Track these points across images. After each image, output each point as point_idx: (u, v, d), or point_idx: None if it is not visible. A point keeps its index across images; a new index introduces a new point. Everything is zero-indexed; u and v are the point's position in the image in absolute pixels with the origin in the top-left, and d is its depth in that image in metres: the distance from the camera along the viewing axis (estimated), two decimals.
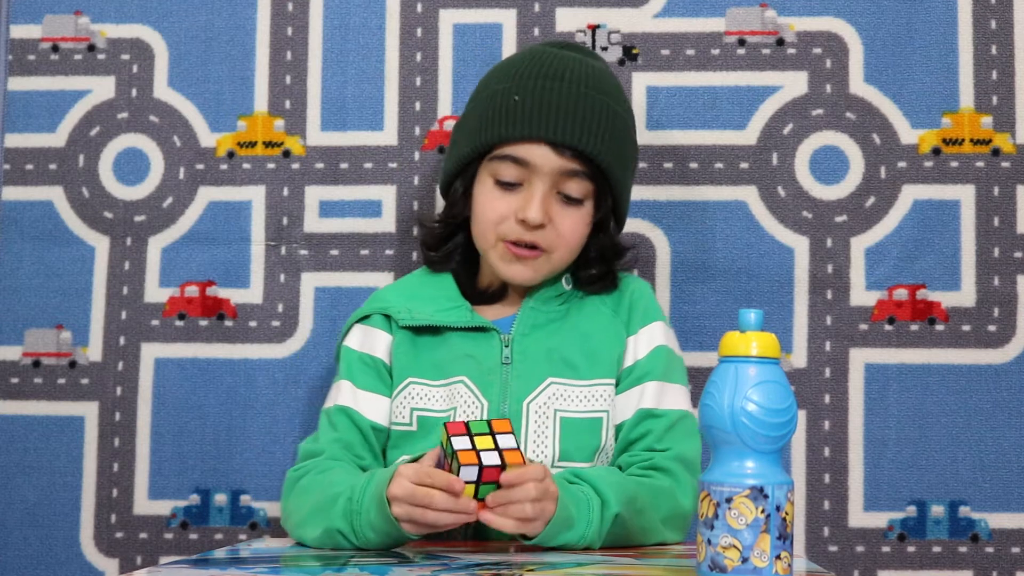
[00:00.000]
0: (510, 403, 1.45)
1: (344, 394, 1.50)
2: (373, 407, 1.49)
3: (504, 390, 1.46)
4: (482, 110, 1.50)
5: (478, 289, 1.54)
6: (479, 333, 1.49)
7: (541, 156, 1.45)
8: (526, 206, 1.45)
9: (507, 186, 1.47)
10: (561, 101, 1.45)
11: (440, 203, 1.65)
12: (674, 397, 1.48)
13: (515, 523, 1.24)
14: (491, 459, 1.23)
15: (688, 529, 1.45)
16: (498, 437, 1.25)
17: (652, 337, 1.50)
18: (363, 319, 1.53)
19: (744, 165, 1.74)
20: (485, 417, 1.45)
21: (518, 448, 1.25)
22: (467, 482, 1.23)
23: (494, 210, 1.47)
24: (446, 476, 1.23)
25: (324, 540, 1.34)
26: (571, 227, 1.48)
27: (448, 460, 1.25)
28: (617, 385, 1.49)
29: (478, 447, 1.23)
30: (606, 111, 1.47)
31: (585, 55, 1.55)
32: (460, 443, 1.23)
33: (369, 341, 1.52)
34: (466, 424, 1.25)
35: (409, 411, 1.48)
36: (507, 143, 1.46)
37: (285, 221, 1.77)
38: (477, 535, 1.42)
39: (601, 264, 1.53)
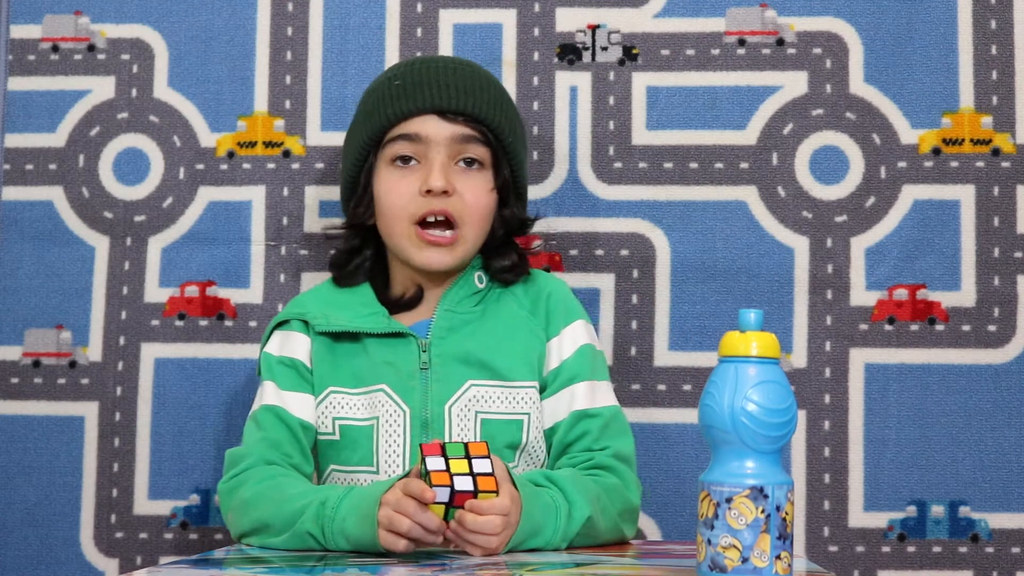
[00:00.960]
0: (431, 407, 1.46)
1: (268, 394, 1.49)
2: (299, 405, 1.48)
3: (425, 395, 1.46)
4: (365, 106, 1.54)
5: (393, 298, 1.54)
6: (397, 339, 1.49)
7: (432, 127, 1.48)
8: (428, 176, 1.47)
9: (405, 162, 1.49)
10: (440, 75, 1.50)
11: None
12: (604, 395, 1.49)
13: (479, 550, 1.25)
14: (464, 484, 1.22)
15: (636, 523, 1.47)
16: (474, 461, 1.24)
17: (576, 336, 1.51)
18: (282, 324, 1.53)
19: (744, 165, 1.74)
20: (407, 423, 1.45)
21: (492, 474, 1.24)
22: (438, 502, 1.22)
23: (398, 193, 1.48)
24: (420, 485, 1.23)
25: (291, 544, 1.34)
26: (475, 194, 1.49)
27: (424, 481, 1.24)
28: (544, 389, 1.49)
29: (452, 470, 1.23)
30: (485, 80, 1.53)
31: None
32: (433, 464, 1.23)
33: (289, 345, 1.52)
34: (442, 445, 1.24)
35: (331, 420, 1.48)
36: (397, 123, 1.48)
37: (285, 221, 1.77)
38: None
39: (509, 251, 1.54)
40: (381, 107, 1.50)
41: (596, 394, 1.48)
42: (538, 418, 1.47)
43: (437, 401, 1.46)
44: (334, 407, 1.48)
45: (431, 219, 1.48)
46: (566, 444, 1.46)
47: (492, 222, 1.52)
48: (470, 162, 1.49)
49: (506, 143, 1.50)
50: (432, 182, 1.46)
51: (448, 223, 1.48)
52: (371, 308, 1.51)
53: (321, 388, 1.49)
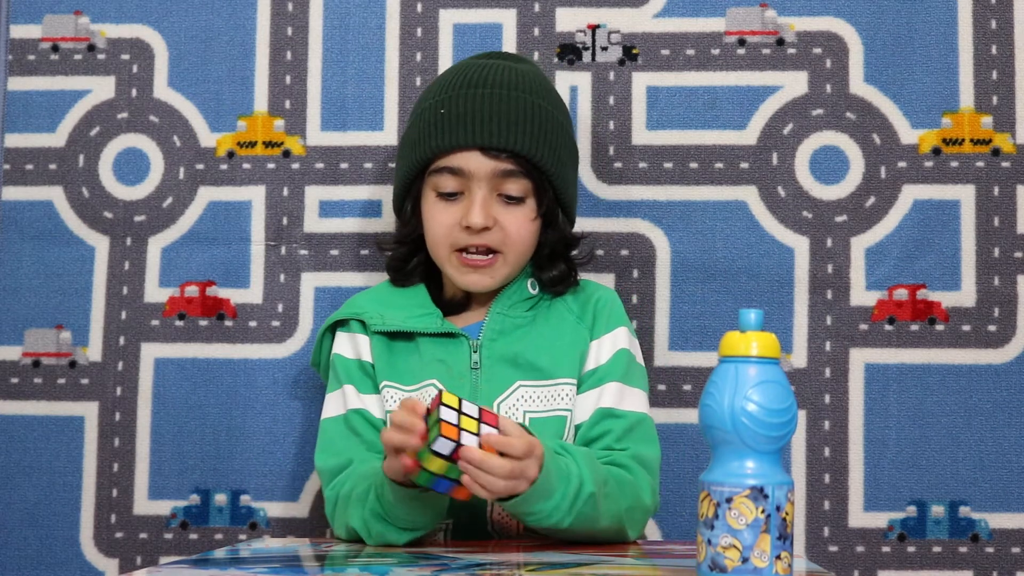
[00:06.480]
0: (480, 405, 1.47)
1: (351, 399, 1.51)
2: (377, 408, 1.51)
3: (474, 394, 1.48)
4: (415, 127, 1.54)
5: (445, 300, 1.56)
6: (449, 339, 1.51)
7: (474, 162, 1.48)
8: (468, 212, 1.48)
9: (449, 197, 1.50)
10: (484, 106, 1.49)
11: None
12: (633, 400, 1.50)
13: (483, 491, 1.25)
14: (469, 441, 1.22)
15: (645, 526, 1.46)
16: (483, 426, 1.24)
17: (615, 341, 1.52)
18: (342, 325, 1.55)
19: (744, 165, 1.74)
20: None
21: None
22: (437, 453, 1.22)
23: (440, 223, 1.50)
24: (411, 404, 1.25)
25: (368, 522, 1.36)
26: (516, 226, 1.50)
27: (427, 427, 1.23)
28: (579, 387, 1.50)
29: (461, 426, 1.23)
30: (531, 108, 1.50)
31: (511, 60, 1.59)
32: (447, 415, 1.23)
33: (358, 348, 1.54)
34: (459, 401, 1.24)
35: (384, 413, 1.49)
36: (440, 155, 1.49)
37: (285, 221, 1.77)
38: (457, 533, 1.45)
39: (557, 261, 1.55)
40: (426, 137, 1.50)
41: (624, 397, 1.49)
42: (575, 416, 1.49)
43: (486, 400, 1.48)
44: (386, 401, 1.50)
45: (472, 249, 1.50)
46: (588, 440, 1.47)
47: (538, 241, 1.53)
48: (510, 198, 1.50)
49: (549, 173, 1.50)
50: (471, 219, 1.47)
51: (489, 250, 1.50)
52: (425, 309, 1.54)
53: (377, 382, 1.52)
